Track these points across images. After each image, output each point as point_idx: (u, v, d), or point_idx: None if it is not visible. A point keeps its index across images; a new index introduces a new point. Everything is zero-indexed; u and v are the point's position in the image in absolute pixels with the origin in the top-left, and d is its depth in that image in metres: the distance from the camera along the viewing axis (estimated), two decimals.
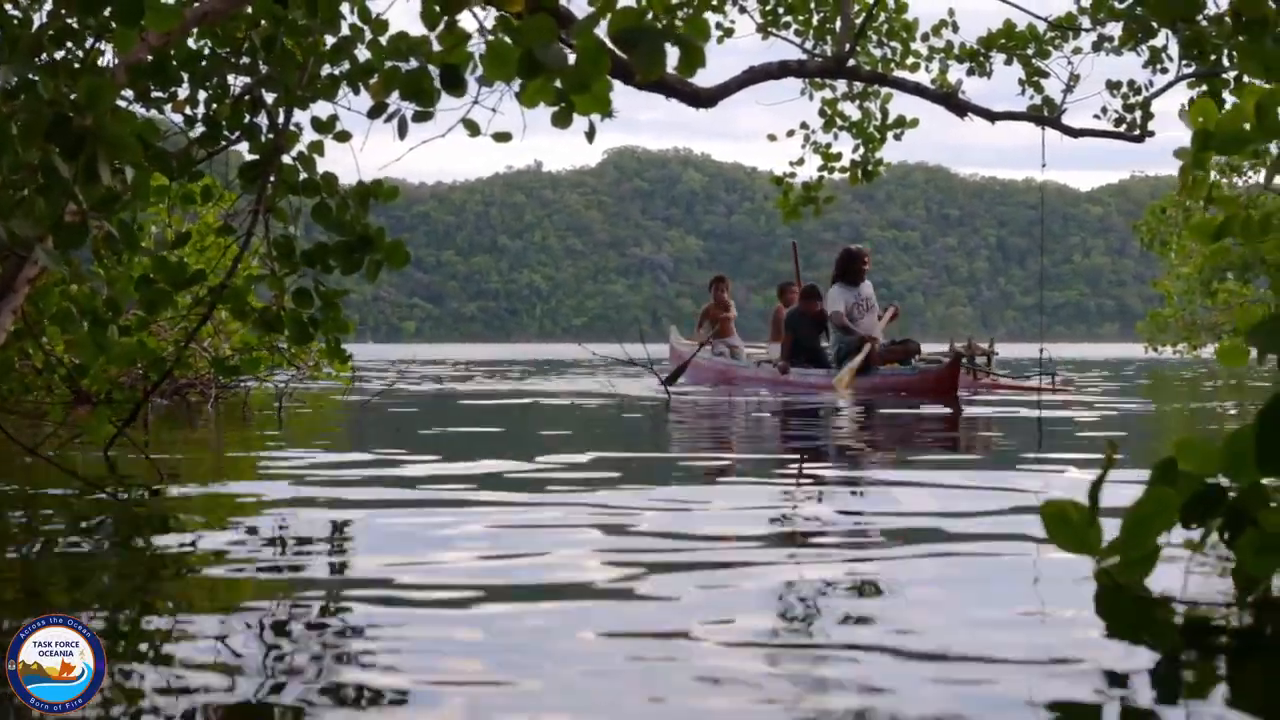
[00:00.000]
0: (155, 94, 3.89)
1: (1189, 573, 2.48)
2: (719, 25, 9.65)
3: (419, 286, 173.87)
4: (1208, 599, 2.54)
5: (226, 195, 4.55)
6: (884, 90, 9.69)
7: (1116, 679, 1.93)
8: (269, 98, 4.04)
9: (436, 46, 3.04)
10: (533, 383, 15.81)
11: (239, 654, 2.08)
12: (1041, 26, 8.97)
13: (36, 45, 3.14)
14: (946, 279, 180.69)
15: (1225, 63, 6.78)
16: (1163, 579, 2.15)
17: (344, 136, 4.05)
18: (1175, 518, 2.05)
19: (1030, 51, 8.95)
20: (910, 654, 2.08)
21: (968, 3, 10.06)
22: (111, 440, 4.30)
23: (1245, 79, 6.16)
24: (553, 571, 2.83)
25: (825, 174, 10.23)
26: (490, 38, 2.86)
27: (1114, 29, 8.37)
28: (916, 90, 8.41)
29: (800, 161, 10.27)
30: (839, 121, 10.13)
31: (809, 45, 9.64)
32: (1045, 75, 8.92)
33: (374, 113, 3.43)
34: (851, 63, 8.26)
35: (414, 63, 3.32)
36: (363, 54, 3.98)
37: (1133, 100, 8.46)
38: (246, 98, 4.06)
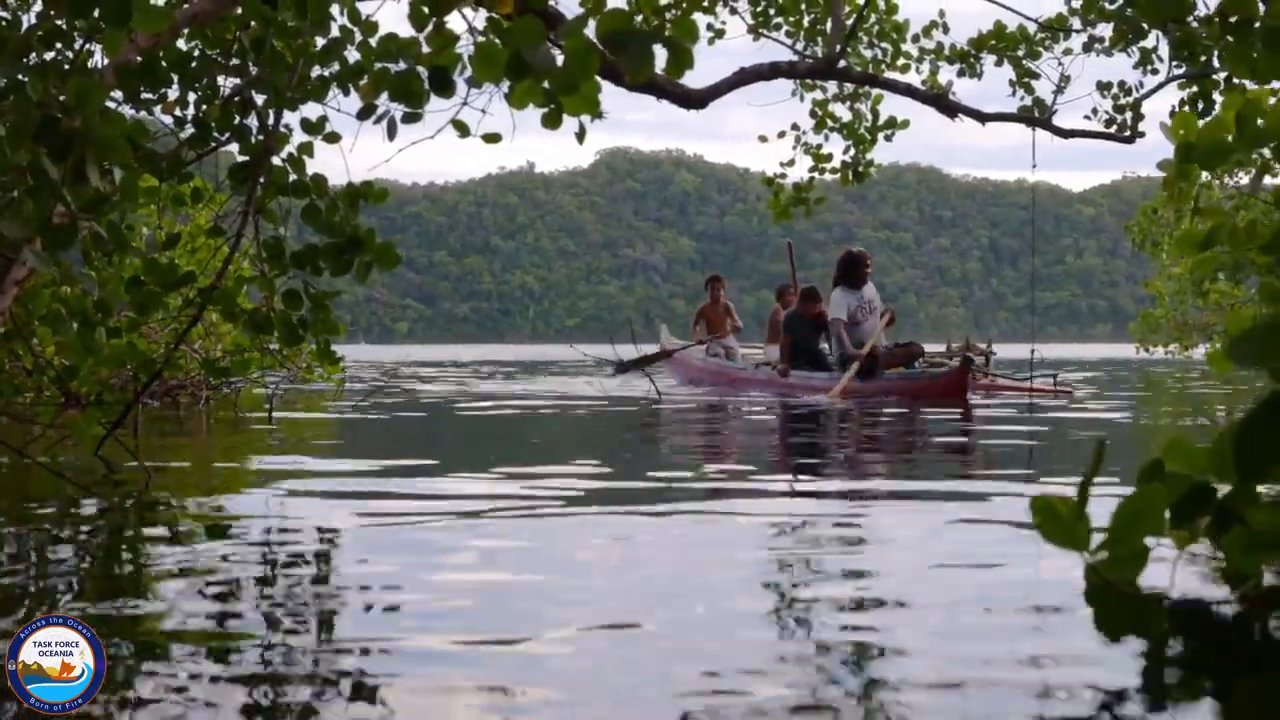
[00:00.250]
0: (144, 95, 3.88)
1: (1177, 570, 2.49)
2: (710, 26, 9.65)
3: (411, 287, 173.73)
4: (1196, 596, 2.55)
5: (216, 197, 4.54)
6: (875, 91, 9.68)
7: (1105, 676, 1.94)
8: (259, 99, 4.03)
9: (425, 48, 3.04)
10: (525, 384, 15.79)
11: (238, 654, 2.08)
12: (1032, 28, 8.99)
13: (25, 46, 3.13)
14: (939, 280, 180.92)
15: (1215, 64, 6.80)
16: (1152, 576, 2.15)
17: (334, 138, 4.04)
18: (1164, 515, 2.06)
19: (1021, 52, 8.96)
20: (906, 654, 2.08)
21: (958, 4, 10.08)
22: (101, 442, 4.29)
23: (1235, 80, 6.18)
24: (548, 590, 2.82)
25: (816, 175, 10.24)
26: (480, 39, 2.86)
27: (1104, 30, 8.39)
28: (907, 91, 8.42)
29: (791, 162, 10.27)
30: (830, 122, 10.14)
31: (800, 46, 9.66)
32: (1036, 76, 8.94)
33: (363, 114, 3.42)
34: (842, 64, 8.27)
35: (403, 64, 3.31)
36: (352, 55, 3.98)
37: (1123, 101, 8.49)
38: (236, 99, 4.05)
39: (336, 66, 3.98)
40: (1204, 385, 15.26)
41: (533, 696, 1.88)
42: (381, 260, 3.82)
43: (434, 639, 2.22)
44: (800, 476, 5.19)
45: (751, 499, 4.24)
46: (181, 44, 3.93)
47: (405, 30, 3.20)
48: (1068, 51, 8.90)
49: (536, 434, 7.28)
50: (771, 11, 9.68)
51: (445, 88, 2.95)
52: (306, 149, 4.04)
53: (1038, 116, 8.62)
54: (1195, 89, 7.16)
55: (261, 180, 3.95)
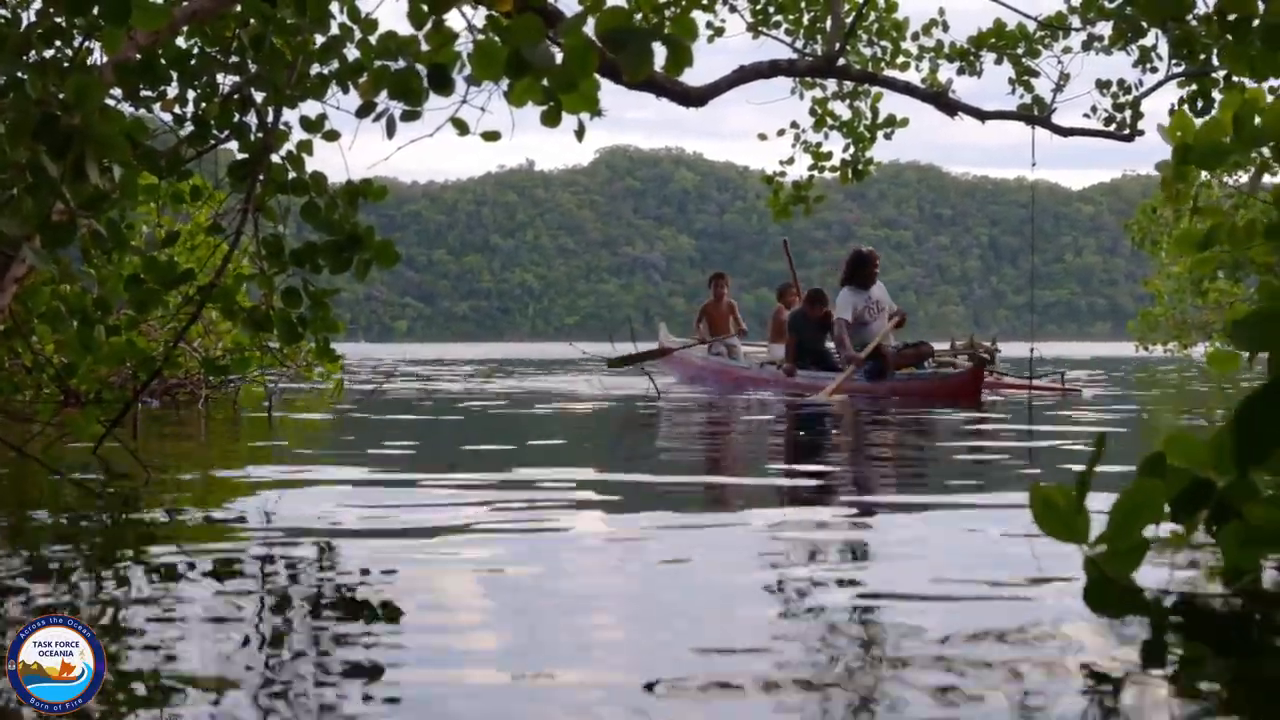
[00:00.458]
0: (144, 93, 3.89)
1: (1174, 564, 2.49)
2: (709, 24, 9.65)
3: (411, 286, 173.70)
4: (1194, 590, 2.55)
5: (216, 194, 4.55)
6: (874, 89, 9.69)
7: (1103, 669, 1.94)
8: (258, 97, 4.04)
9: (424, 46, 3.04)
10: (525, 383, 15.79)
11: (238, 654, 2.08)
12: (1031, 26, 8.99)
13: (25, 44, 3.14)
14: (939, 278, 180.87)
15: (1214, 62, 6.80)
16: (1150, 570, 2.16)
17: (333, 136, 4.05)
18: (1163, 509, 2.07)
19: (1020, 51, 8.97)
20: (901, 649, 2.08)
21: (958, 2, 10.08)
22: (100, 440, 4.29)
23: (1234, 79, 6.18)
24: (547, 593, 2.83)
25: (815, 173, 10.24)
26: (479, 37, 2.86)
27: (1104, 28, 8.39)
28: (907, 89, 8.42)
29: (790, 160, 10.27)
30: (829, 120, 10.15)
31: (799, 44, 9.66)
32: (1035, 74, 8.94)
33: (362, 112, 3.42)
34: (842, 62, 8.28)
35: (402, 62, 3.31)
36: (352, 53, 3.98)
37: (1122, 99, 8.49)
38: (235, 97, 4.05)
39: (336, 64, 3.99)
40: (1203, 383, 15.26)
41: (533, 698, 1.88)
42: (380, 258, 3.82)
43: (434, 636, 2.23)
44: (810, 479, 5.19)
45: (752, 498, 4.24)
46: (181, 41, 3.93)
47: (404, 28, 3.21)
48: (1067, 50, 8.92)
49: (534, 434, 7.27)
50: (771, 9, 9.68)
51: (444, 85, 2.95)
52: (306, 147, 4.05)
53: (1037, 115, 8.63)
54: (1194, 87, 7.16)
55: (261, 178, 3.95)
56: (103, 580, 2.76)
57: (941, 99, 8.44)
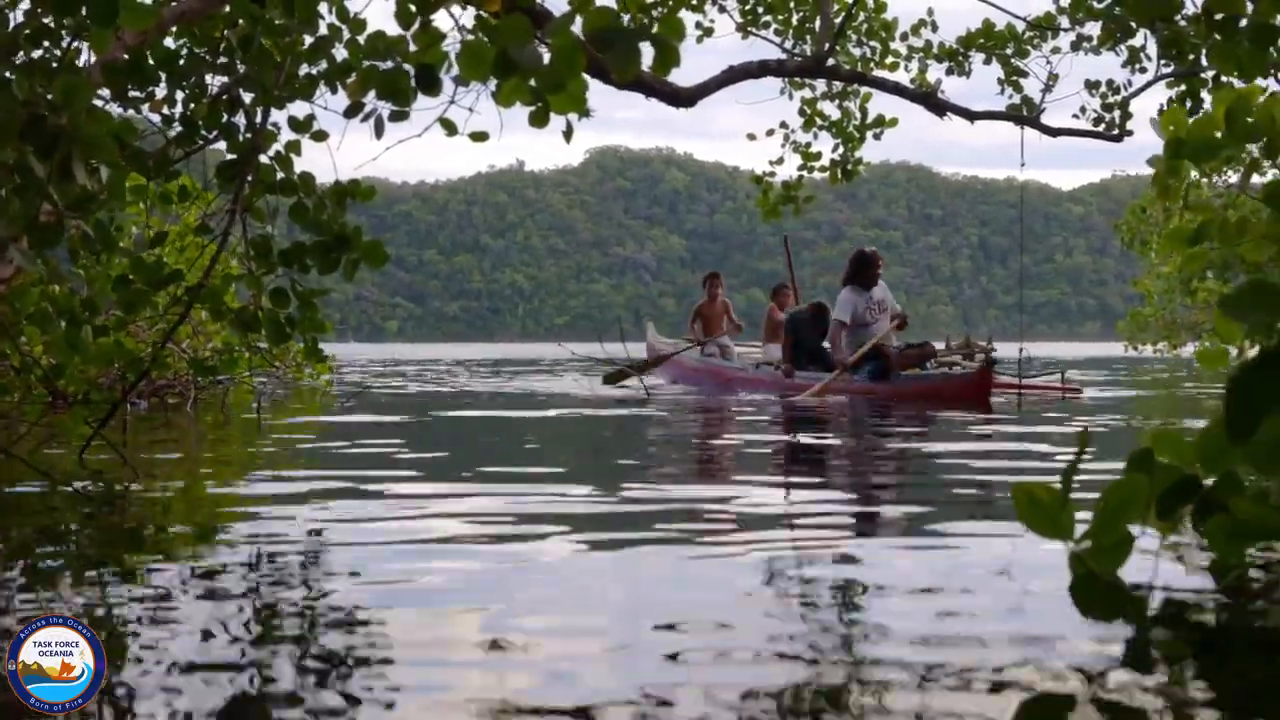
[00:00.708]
0: (132, 93, 3.88)
1: (1160, 559, 2.49)
2: (698, 24, 9.66)
3: (401, 286, 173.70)
4: (1180, 585, 2.56)
5: (204, 195, 4.54)
6: (863, 89, 9.71)
7: (1089, 665, 1.94)
8: (246, 97, 4.03)
9: (412, 46, 3.04)
10: (512, 383, 15.78)
11: (237, 654, 2.08)
12: (1020, 26, 9.02)
13: (12, 44, 3.13)
14: (929, 278, 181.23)
15: (1203, 62, 6.82)
16: (1135, 565, 2.16)
17: (321, 136, 4.04)
18: (1148, 505, 2.07)
19: (1009, 51, 8.99)
20: (891, 642, 2.09)
21: (947, 2, 10.10)
22: (88, 442, 4.28)
23: (1223, 79, 6.20)
24: (535, 598, 2.82)
25: (805, 173, 10.24)
26: (467, 37, 2.86)
27: (1093, 29, 8.42)
28: (896, 90, 8.44)
29: (780, 161, 10.28)
30: (818, 121, 10.16)
31: (788, 44, 9.67)
32: (1024, 75, 8.97)
33: (350, 112, 3.42)
34: (831, 62, 8.29)
35: (391, 62, 3.31)
36: (340, 53, 3.98)
37: (1111, 100, 8.51)
38: (224, 97, 4.05)
39: (324, 64, 3.98)
40: (1195, 385, 15.31)
41: (524, 704, 1.88)
42: (369, 258, 3.81)
43: (426, 633, 2.23)
44: (808, 481, 5.20)
45: (743, 510, 4.24)
46: (169, 42, 3.93)
47: (393, 28, 3.21)
48: (1056, 50, 8.94)
49: (523, 437, 7.27)
50: (760, 10, 9.69)
51: (432, 86, 2.94)
52: (294, 147, 4.04)
53: (1026, 115, 8.65)
54: (1183, 87, 7.18)
55: (249, 178, 3.95)
56: (102, 580, 2.76)
57: (931, 99, 8.46)
